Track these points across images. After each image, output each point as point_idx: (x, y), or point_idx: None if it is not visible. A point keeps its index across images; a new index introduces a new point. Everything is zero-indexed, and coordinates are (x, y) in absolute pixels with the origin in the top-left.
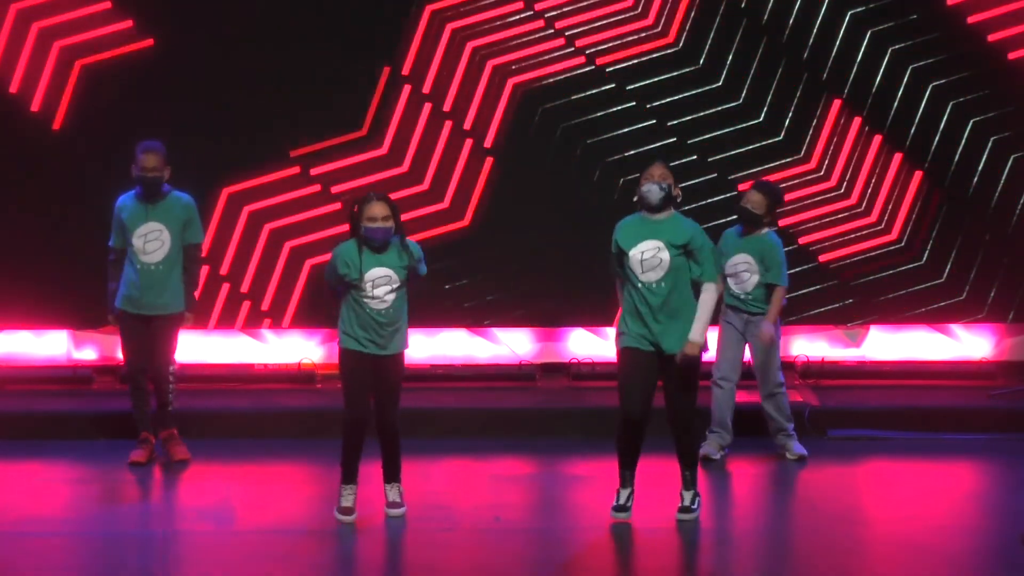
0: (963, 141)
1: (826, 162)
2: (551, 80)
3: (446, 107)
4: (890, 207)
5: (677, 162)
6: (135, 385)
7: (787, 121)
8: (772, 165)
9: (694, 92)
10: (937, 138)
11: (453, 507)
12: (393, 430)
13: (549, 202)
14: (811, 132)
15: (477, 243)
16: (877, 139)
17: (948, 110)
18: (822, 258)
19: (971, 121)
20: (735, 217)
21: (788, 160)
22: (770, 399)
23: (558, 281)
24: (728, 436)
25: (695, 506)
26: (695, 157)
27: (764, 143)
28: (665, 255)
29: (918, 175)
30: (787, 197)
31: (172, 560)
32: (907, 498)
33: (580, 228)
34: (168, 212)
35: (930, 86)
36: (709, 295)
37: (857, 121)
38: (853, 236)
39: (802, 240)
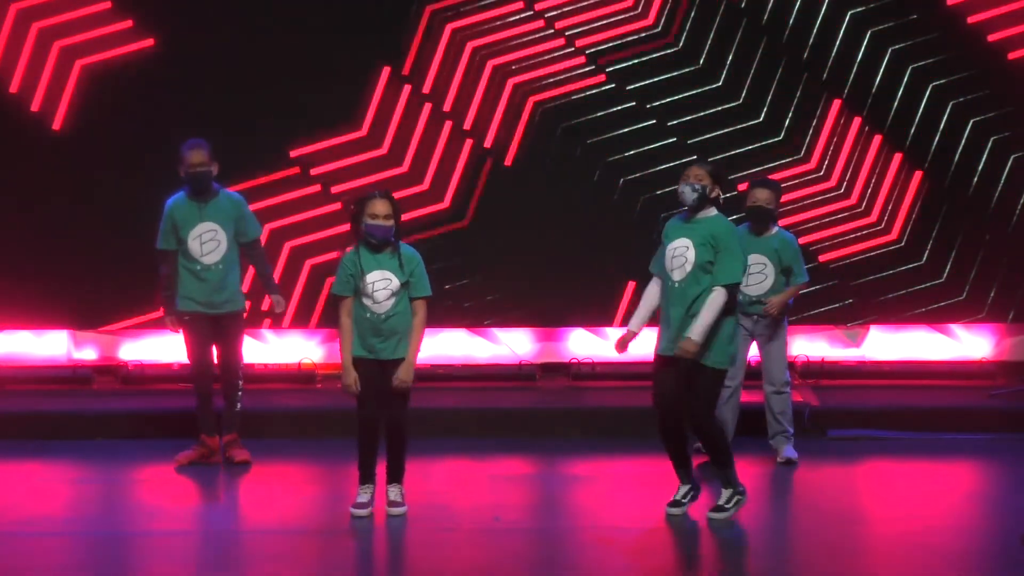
0: (963, 141)
1: (826, 162)
2: (551, 80)
3: (446, 107)
4: (890, 207)
5: (677, 162)
6: (202, 386)
7: (787, 121)
8: (772, 165)
9: (694, 92)
10: (937, 138)
11: (453, 507)
12: (400, 429)
13: (549, 202)
14: (811, 132)
15: (477, 243)
16: (877, 139)
17: (948, 110)
18: (822, 258)
19: (971, 121)
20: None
21: (788, 160)
22: (776, 396)
23: (558, 281)
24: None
25: (729, 505)
26: (695, 157)
27: (764, 143)
28: (691, 254)
29: (918, 175)
30: (787, 197)
31: (172, 560)
32: (907, 498)
33: (580, 228)
34: (220, 211)
35: (930, 86)
36: (717, 296)
37: (857, 121)
38: (853, 236)
39: (802, 240)
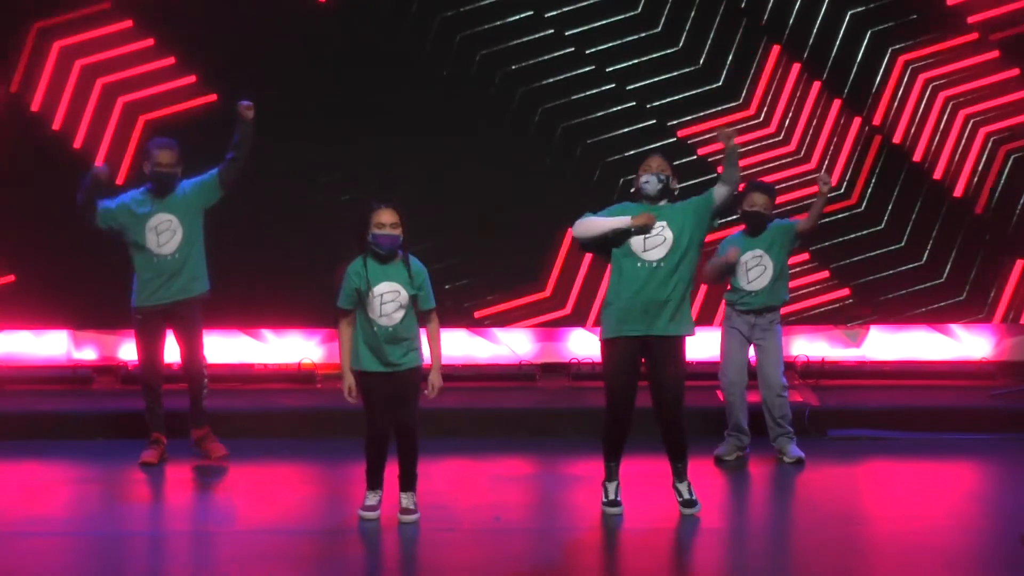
0: (962, 141)
1: (826, 162)
2: (551, 80)
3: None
4: (891, 208)
5: (676, 162)
6: (148, 384)
7: (786, 121)
8: (772, 165)
9: (695, 92)
10: (936, 138)
11: (453, 507)
12: (410, 435)
13: (549, 202)
14: (811, 132)
15: (477, 243)
16: (877, 139)
17: (948, 110)
18: (822, 258)
19: (970, 121)
20: (736, 217)
21: (788, 160)
22: (777, 400)
23: (557, 281)
24: (746, 438)
25: (696, 497)
26: (695, 157)
27: (764, 143)
28: (668, 233)
29: (918, 175)
30: (788, 197)
31: (172, 560)
32: (907, 498)
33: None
34: (175, 201)
35: (930, 86)
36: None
37: (857, 121)
38: (853, 237)
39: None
